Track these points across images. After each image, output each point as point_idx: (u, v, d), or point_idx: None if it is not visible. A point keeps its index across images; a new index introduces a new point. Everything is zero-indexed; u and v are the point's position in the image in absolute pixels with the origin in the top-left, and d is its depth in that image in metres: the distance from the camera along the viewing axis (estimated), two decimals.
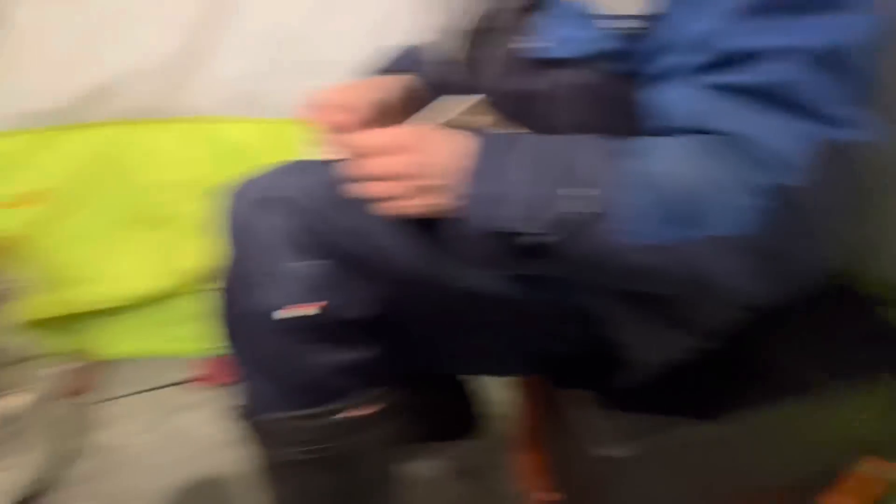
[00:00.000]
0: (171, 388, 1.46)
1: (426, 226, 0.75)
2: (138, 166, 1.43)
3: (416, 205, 0.67)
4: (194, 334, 1.43)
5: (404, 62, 0.93)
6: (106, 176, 1.42)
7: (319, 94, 0.80)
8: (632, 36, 0.64)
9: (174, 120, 1.44)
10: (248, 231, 0.77)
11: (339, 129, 0.77)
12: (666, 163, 0.61)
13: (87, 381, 1.45)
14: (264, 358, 0.77)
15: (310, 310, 0.73)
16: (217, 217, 0.85)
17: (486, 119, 0.74)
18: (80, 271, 1.41)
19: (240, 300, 0.77)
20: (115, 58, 1.36)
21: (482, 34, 0.75)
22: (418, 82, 0.87)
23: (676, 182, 0.60)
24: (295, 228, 0.74)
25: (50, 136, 1.38)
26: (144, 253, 1.45)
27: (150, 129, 1.43)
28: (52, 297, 1.37)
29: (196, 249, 1.43)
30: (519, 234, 0.63)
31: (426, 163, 0.66)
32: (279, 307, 0.74)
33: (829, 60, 0.59)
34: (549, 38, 0.68)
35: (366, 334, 0.77)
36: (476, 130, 0.69)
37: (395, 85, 0.83)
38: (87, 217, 1.42)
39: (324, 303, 0.74)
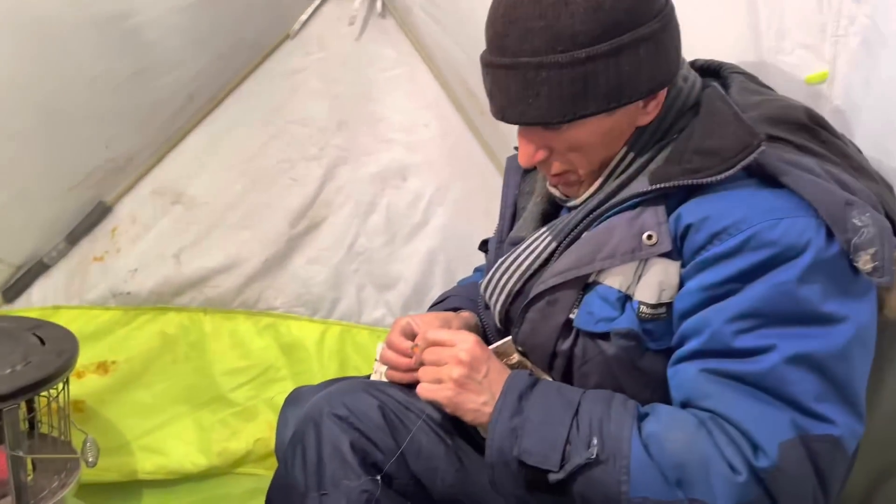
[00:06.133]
0: None
1: (464, 452, 0.87)
2: (205, 350, 1.59)
3: (448, 395, 0.79)
4: None
5: (460, 299, 1.07)
6: (172, 355, 1.57)
7: (397, 321, 0.94)
8: (651, 319, 0.77)
9: (247, 313, 1.61)
10: (302, 443, 0.86)
11: (392, 364, 0.91)
12: (662, 427, 0.72)
13: None
14: None
15: None
16: (277, 420, 0.96)
17: (514, 358, 0.87)
18: (137, 442, 1.52)
19: None
20: (211, 256, 1.57)
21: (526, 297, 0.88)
22: (474, 319, 0.99)
23: (668, 446, 0.71)
24: (347, 447, 0.84)
25: (134, 314, 1.55)
26: (200, 431, 1.56)
27: (224, 317, 1.60)
28: (109, 464, 1.46)
29: (250, 434, 1.55)
30: (529, 466, 0.73)
31: (471, 369, 0.79)
32: None
33: (812, 363, 0.70)
34: (589, 313, 0.81)
35: None
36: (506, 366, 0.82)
37: (456, 320, 0.97)
38: (148, 391, 1.55)
39: None
